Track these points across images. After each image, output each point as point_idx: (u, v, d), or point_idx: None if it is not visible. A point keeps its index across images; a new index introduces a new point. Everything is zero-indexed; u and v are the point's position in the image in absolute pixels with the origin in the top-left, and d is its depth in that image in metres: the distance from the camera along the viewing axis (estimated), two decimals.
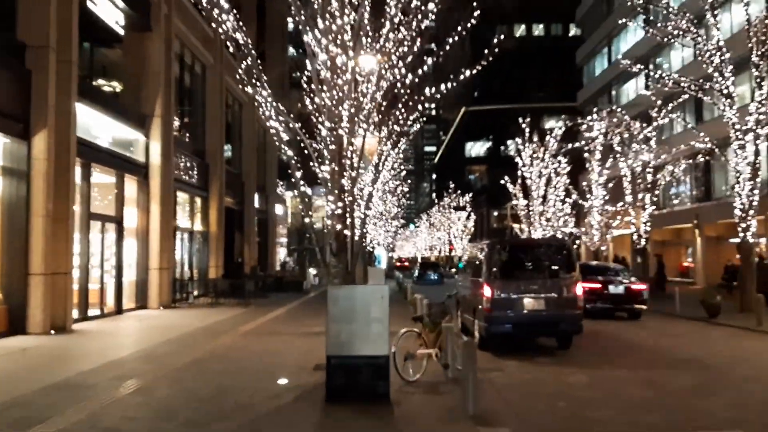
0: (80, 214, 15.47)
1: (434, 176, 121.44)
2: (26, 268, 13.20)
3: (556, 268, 12.46)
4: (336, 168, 9.63)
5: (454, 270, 40.37)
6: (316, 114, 9.94)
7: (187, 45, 23.49)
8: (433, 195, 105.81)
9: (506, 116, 52.35)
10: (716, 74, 18.34)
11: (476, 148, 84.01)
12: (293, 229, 43.22)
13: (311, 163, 9.97)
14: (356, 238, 10.13)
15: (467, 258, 15.90)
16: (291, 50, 41.56)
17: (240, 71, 9.31)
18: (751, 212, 18.52)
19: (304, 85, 10.77)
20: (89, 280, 16.01)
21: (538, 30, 78.92)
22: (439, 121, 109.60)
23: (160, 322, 16.41)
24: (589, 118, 30.65)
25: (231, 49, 9.53)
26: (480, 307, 12.21)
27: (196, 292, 23.21)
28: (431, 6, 9.31)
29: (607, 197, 30.09)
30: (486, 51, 10.41)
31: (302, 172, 9.93)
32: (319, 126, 10.05)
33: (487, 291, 11.92)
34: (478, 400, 7.27)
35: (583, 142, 30.88)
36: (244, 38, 9.09)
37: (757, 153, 18.27)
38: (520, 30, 76.70)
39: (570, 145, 32.01)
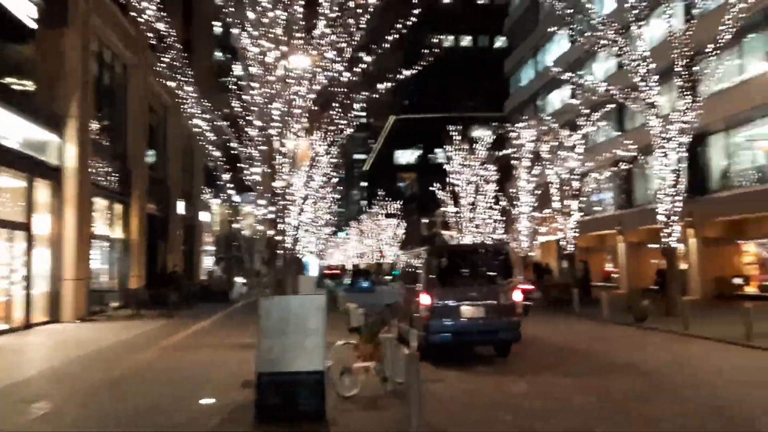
0: None
1: (364, 184, 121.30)
2: None
3: (494, 273, 12.26)
4: (267, 170, 9.08)
5: (390, 278, 39.95)
6: (245, 113, 9.36)
7: (107, 43, 22.24)
8: (363, 202, 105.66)
9: (436, 125, 52.85)
10: (642, 84, 18.81)
11: (406, 156, 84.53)
12: (220, 236, 41.99)
13: (239, 164, 9.37)
14: (288, 244, 9.60)
15: (403, 265, 15.53)
16: (218, 54, 40.39)
17: (163, 64, 8.64)
18: (674, 218, 19.06)
19: (232, 86, 10.21)
20: None
21: (466, 41, 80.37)
22: (369, 128, 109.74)
23: (75, 336, 15.28)
24: (519, 125, 31.08)
25: (153, 41, 8.84)
26: (417, 315, 11.86)
27: (115, 304, 21.93)
28: None
29: (535, 204, 30.53)
30: (425, 51, 10.14)
31: (230, 176, 9.34)
32: (247, 129, 9.48)
33: (425, 299, 11.57)
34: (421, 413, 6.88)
35: (512, 149, 31.28)
36: (166, 28, 8.43)
37: (679, 160, 18.83)
38: (448, 41, 77.79)
39: (499, 153, 32.39)
